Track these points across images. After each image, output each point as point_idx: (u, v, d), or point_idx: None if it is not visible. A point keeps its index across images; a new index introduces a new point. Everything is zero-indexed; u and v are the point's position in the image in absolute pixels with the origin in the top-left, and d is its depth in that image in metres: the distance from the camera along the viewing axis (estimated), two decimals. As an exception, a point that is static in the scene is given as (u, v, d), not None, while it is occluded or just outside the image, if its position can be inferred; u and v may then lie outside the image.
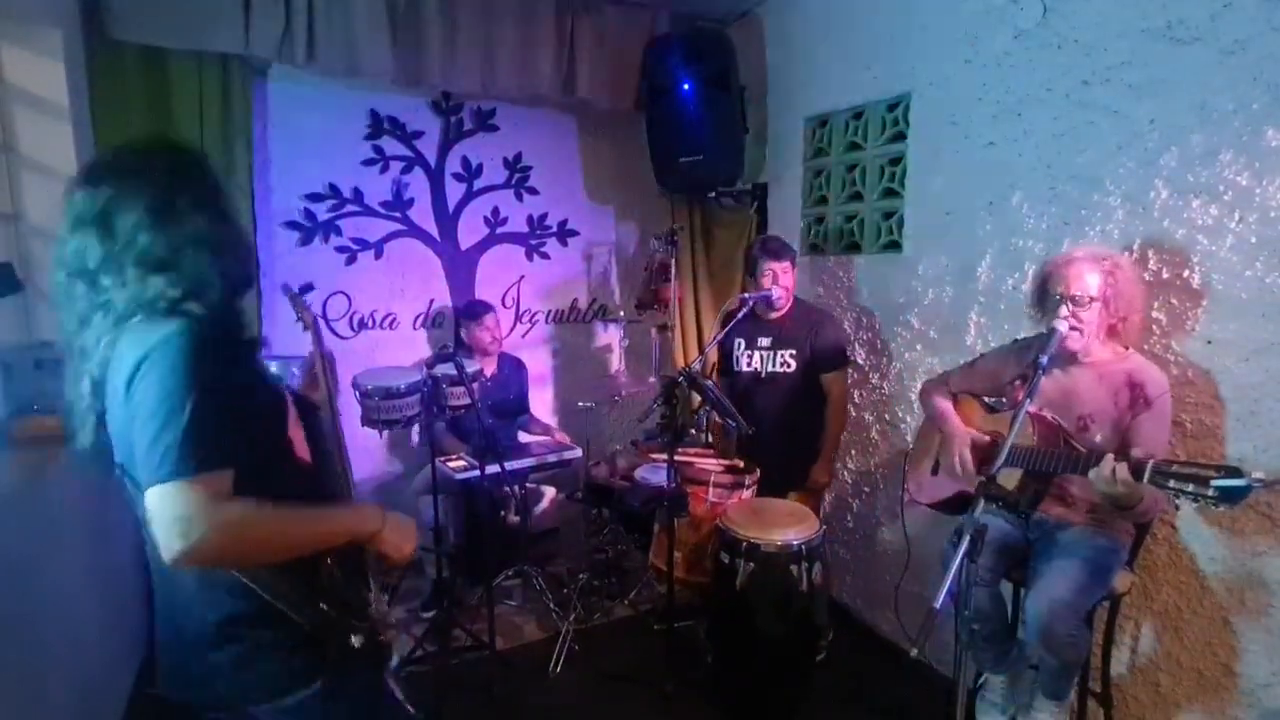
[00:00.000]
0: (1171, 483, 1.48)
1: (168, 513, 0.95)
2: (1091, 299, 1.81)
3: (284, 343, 3.06)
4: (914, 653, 1.31)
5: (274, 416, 1.16)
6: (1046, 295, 1.89)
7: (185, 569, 0.99)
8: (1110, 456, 1.59)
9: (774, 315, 2.81)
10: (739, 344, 2.89)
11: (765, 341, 2.82)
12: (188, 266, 1.07)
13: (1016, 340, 2.12)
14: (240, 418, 1.02)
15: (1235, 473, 1.39)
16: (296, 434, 1.21)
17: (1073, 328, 1.82)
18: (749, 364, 2.86)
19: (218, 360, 1.02)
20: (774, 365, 2.80)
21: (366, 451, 3.38)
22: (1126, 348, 1.91)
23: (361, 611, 1.17)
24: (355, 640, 1.13)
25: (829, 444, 2.80)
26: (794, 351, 2.77)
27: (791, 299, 2.82)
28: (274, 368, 2.17)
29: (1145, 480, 1.53)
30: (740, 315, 2.76)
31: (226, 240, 1.13)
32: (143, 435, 0.97)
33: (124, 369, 1.00)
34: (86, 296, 1.06)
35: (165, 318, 1.03)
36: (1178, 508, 1.98)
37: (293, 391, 1.31)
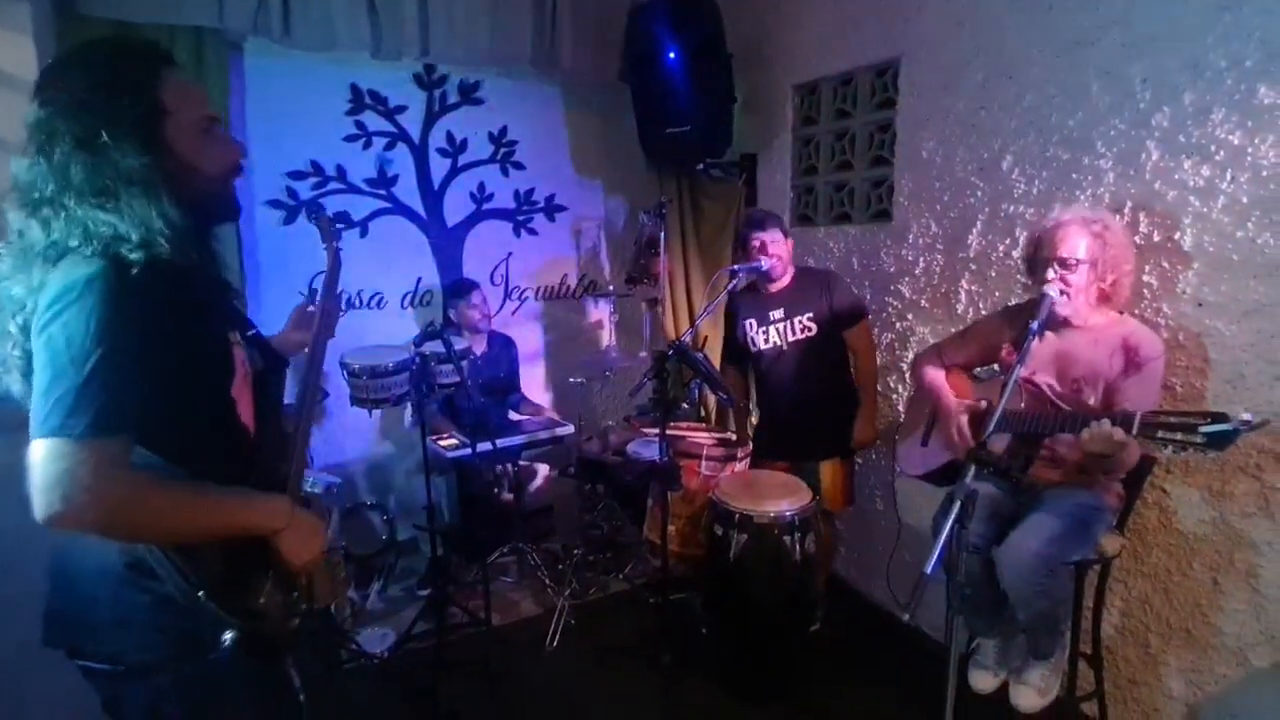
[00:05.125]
0: (1160, 433, 1.48)
1: (48, 470, 0.87)
2: (1079, 261, 1.79)
3: (272, 321, 3.02)
4: (906, 617, 1.32)
5: (213, 373, 1.08)
6: (1037, 260, 1.88)
7: (54, 529, 0.90)
8: (1101, 418, 1.58)
9: (777, 287, 2.72)
10: (750, 325, 2.77)
11: (777, 314, 2.70)
12: (125, 206, 0.96)
13: (1009, 306, 2.11)
14: (160, 374, 0.94)
15: (1222, 418, 1.39)
16: (243, 396, 1.14)
17: (1061, 291, 1.80)
18: (766, 341, 2.74)
19: (142, 309, 0.93)
20: (794, 334, 2.68)
21: (358, 431, 3.36)
22: (1121, 312, 1.90)
23: (245, 608, 1.05)
24: (226, 637, 1.02)
25: (868, 399, 2.68)
26: (811, 314, 2.65)
27: (790, 267, 2.71)
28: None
29: (1134, 433, 1.52)
30: (731, 287, 2.71)
31: (173, 176, 1.02)
32: (39, 380, 0.90)
33: (40, 307, 0.92)
34: (29, 235, 0.97)
35: (93, 258, 0.94)
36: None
37: (260, 348, 1.23)
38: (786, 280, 2.72)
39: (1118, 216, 2.02)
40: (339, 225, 3.33)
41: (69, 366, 0.88)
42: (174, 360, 0.97)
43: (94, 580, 1.04)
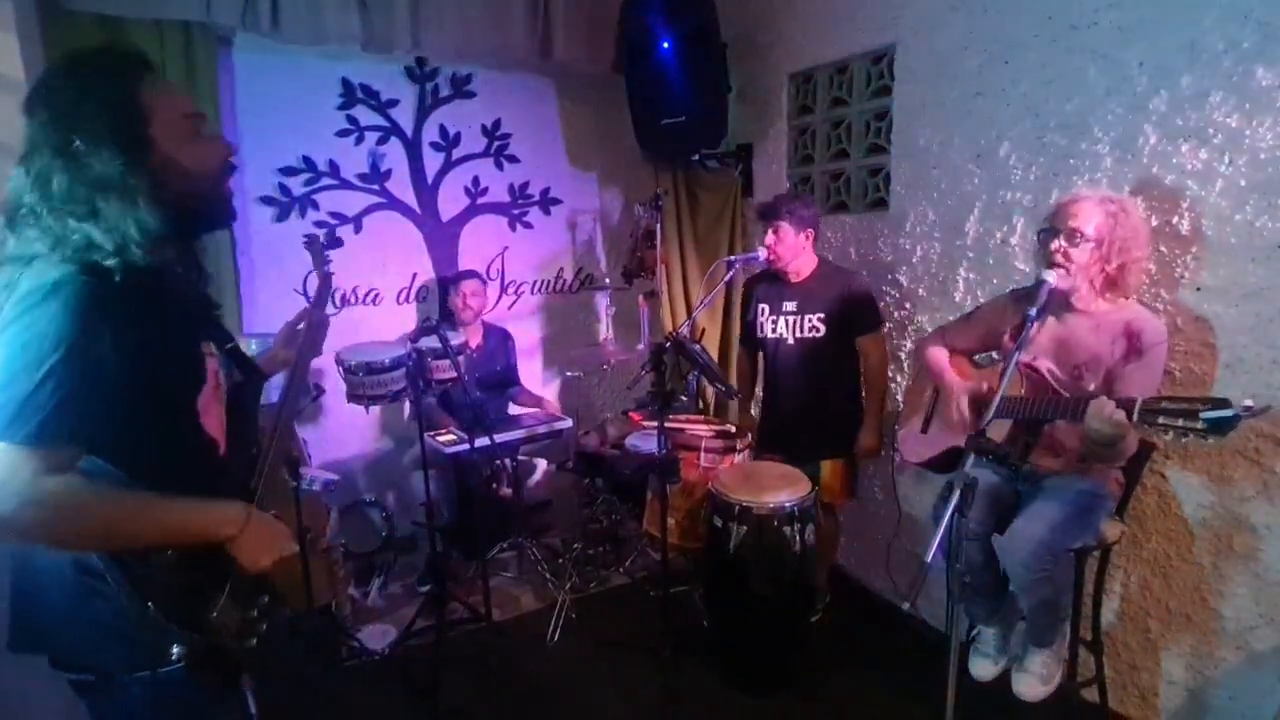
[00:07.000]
0: (1161, 419, 1.46)
1: None
2: (1085, 237, 1.75)
3: (266, 320, 3.01)
4: (906, 606, 1.33)
5: (179, 383, 1.06)
6: (1049, 232, 1.83)
7: None
8: (1104, 398, 1.57)
9: (797, 279, 2.64)
10: (762, 310, 2.72)
11: (791, 306, 2.64)
12: (101, 215, 0.95)
13: (1013, 290, 2.09)
14: (120, 385, 0.93)
15: (1223, 404, 1.37)
16: (211, 408, 1.11)
17: (1060, 264, 1.77)
18: (774, 330, 2.68)
19: (106, 316, 0.92)
20: (803, 330, 2.62)
21: (355, 428, 3.35)
22: (1127, 297, 1.86)
23: (196, 621, 1.02)
24: (174, 651, 1.00)
25: (874, 408, 2.63)
26: (823, 315, 2.58)
27: (813, 260, 2.64)
28: (253, 345, 2.07)
29: (1135, 419, 1.51)
30: (728, 278, 2.71)
31: (160, 178, 1.00)
32: None
33: (6, 307, 0.91)
34: (7, 246, 0.96)
35: (62, 263, 0.93)
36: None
37: (237, 361, 1.20)
38: (807, 273, 2.65)
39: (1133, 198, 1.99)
40: (334, 223, 3.33)
41: (22, 371, 0.87)
42: (136, 370, 0.95)
43: (52, 588, 1.01)
